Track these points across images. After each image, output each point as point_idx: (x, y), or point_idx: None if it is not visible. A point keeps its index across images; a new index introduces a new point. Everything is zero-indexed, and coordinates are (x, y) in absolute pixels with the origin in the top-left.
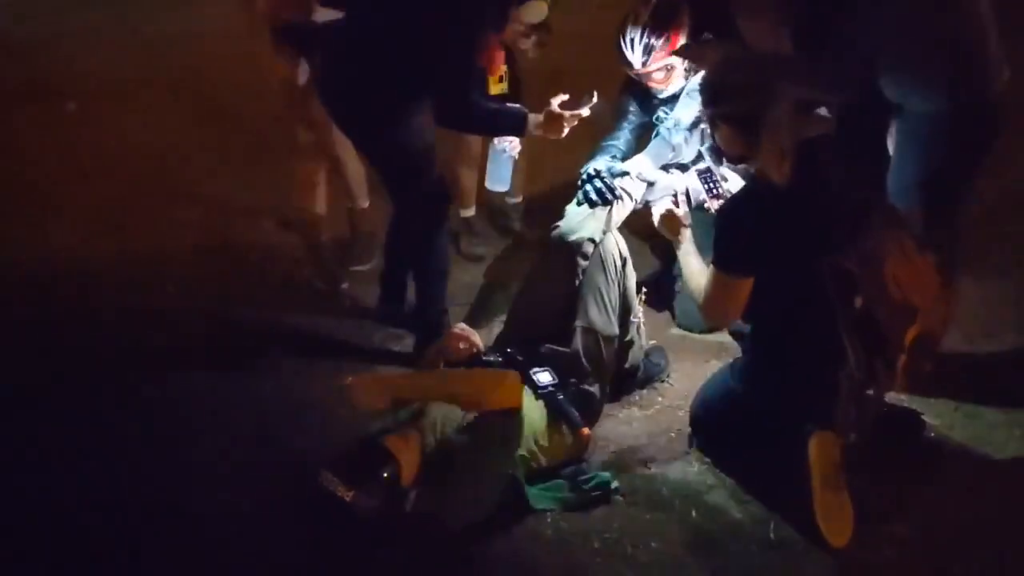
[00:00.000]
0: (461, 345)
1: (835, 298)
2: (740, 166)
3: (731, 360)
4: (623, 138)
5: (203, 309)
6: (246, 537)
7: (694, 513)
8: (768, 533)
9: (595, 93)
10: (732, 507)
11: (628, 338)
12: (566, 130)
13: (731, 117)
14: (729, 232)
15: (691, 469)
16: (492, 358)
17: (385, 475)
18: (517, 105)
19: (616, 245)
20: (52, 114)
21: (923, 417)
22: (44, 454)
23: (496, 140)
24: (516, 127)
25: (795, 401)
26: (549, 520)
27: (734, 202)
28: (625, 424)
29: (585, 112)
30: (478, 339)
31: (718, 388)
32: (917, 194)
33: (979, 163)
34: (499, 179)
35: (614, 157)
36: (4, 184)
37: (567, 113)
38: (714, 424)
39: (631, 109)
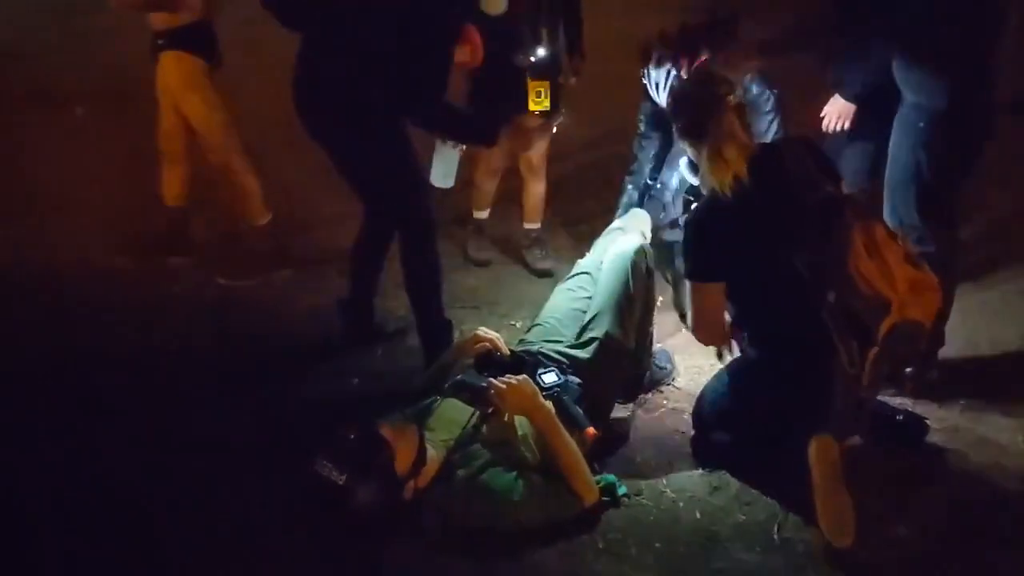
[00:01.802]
0: (484, 346)
1: (814, 294)
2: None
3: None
4: (645, 168)
5: (209, 309)
6: (251, 535)
7: (698, 514)
8: (772, 535)
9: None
10: (736, 509)
11: (641, 345)
12: (532, 146)
13: (685, 130)
14: (694, 242)
15: (695, 471)
16: (499, 357)
17: (378, 461)
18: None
19: (645, 258)
20: (59, 118)
21: (927, 420)
22: (48, 453)
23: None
24: (486, 137)
25: (791, 400)
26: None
27: (696, 213)
28: (631, 426)
29: (553, 130)
30: (502, 344)
31: (719, 390)
32: (911, 187)
33: (968, 163)
34: (445, 175)
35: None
36: (13, 186)
37: (531, 136)
38: (716, 426)
39: (650, 136)
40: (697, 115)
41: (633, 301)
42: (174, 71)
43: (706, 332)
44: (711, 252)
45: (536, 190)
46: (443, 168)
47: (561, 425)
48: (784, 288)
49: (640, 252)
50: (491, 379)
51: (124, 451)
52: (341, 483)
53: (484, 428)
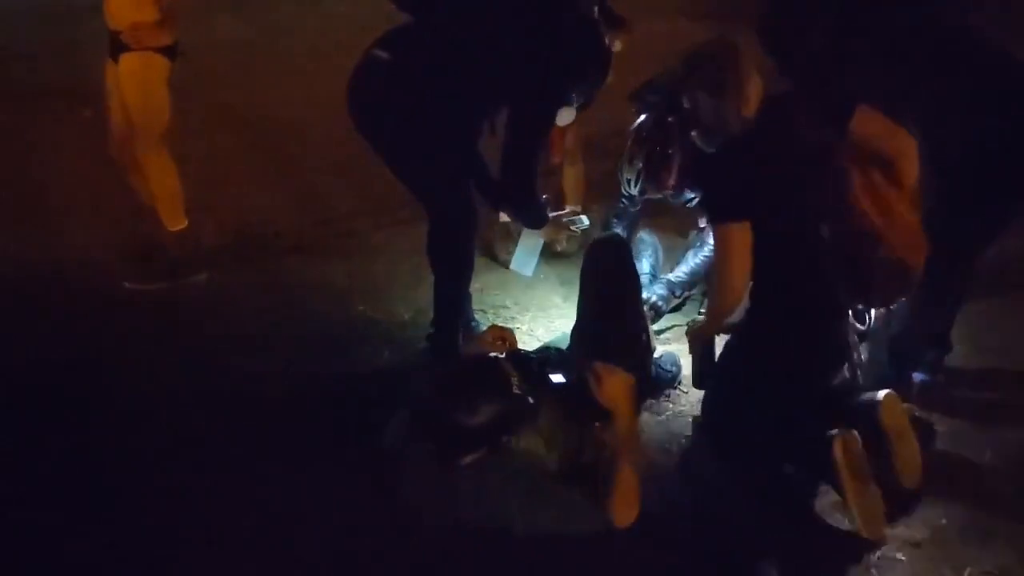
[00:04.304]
0: (496, 341)
1: (809, 231)
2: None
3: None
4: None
5: (218, 311)
6: (254, 536)
7: (708, 519)
8: (782, 538)
9: (585, 219)
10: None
11: (640, 345)
12: (562, 240)
13: (706, 86)
14: (718, 180)
15: (705, 475)
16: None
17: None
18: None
19: (615, 246)
20: (69, 118)
21: (933, 425)
22: (56, 452)
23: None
24: (539, 221)
25: (796, 369)
26: (566, 520)
27: (716, 157)
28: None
29: (577, 231)
30: (513, 337)
31: (724, 380)
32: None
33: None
34: (525, 264)
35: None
36: (22, 185)
37: (565, 229)
38: (727, 420)
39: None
40: (718, 68)
41: (607, 289)
42: (143, 69)
43: (732, 291)
44: (734, 189)
45: (576, 172)
46: (525, 256)
47: (635, 444)
48: (789, 237)
49: (600, 242)
50: (598, 361)
51: (131, 451)
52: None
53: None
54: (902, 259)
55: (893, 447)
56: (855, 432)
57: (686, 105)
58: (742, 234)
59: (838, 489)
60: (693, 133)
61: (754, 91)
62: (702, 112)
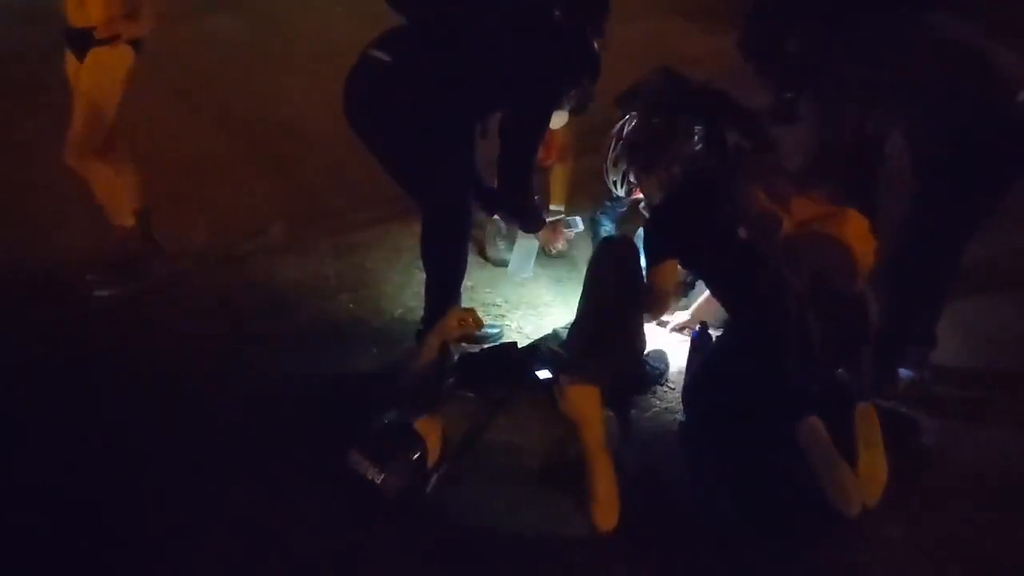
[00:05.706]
0: (460, 324)
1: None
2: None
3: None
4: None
5: (209, 309)
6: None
7: (695, 516)
8: (767, 538)
9: (580, 221)
10: (732, 509)
11: (635, 346)
12: (558, 244)
13: (644, 167)
14: (649, 239)
15: (691, 472)
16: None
17: (414, 456)
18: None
19: (619, 247)
20: (61, 118)
21: (918, 420)
22: (50, 453)
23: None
24: (534, 224)
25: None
26: (552, 522)
27: (650, 219)
28: (625, 427)
29: (571, 236)
30: (477, 316)
31: (702, 373)
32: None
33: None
34: (522, 267)
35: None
36: (14, 186)
37: (562, 234)
38: (704, 411)
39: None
40: (648, 153)
41: (612, 290)
42: (115, 63)
43: (662, 306)
44: (661, 239)
45: (565, 171)
46: (521, 259)
47: (607, 448)
48: (723, 254)
49: (611, 242)
50: (565, 373)
51: (123, 451)
52: (378, 482)
53: (491, 429)
54: (822, 232)
55: (859, 454)
56: (815, 417)
57: (632, 181)
58: (670, 267)
59: (811, 468)
60: (643, 204)
61: (678, 166)
62: (640, 186)
